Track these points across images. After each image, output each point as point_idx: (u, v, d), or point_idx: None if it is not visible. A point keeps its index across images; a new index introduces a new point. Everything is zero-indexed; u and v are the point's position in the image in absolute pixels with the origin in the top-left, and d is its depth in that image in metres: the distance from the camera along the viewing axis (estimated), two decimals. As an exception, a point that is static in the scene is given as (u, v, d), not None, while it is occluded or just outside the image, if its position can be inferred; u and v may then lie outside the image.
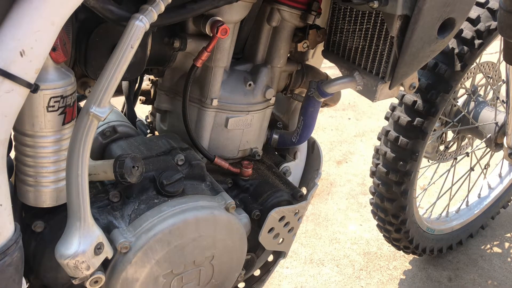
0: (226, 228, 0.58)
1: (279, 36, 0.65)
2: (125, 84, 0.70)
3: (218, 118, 0.64)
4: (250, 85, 0.64)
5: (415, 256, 1.22)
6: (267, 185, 0.67)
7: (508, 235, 1.32)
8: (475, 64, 1.03)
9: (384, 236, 1.15)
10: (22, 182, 0.47)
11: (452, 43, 0.92)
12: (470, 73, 1.05)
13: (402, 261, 1.21)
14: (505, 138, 1.09)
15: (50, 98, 0.44)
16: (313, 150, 0.76)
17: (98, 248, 0.48)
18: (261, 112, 0.67)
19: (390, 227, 1.08)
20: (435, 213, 1.24)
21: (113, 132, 0.62)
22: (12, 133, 0.46)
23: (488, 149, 1.19)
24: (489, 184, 1.33)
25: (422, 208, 1.24)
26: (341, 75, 0.67)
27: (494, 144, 1.10)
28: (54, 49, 0.43)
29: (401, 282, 1.15)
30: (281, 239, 0.67)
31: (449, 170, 1.20)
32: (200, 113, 0.64)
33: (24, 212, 0.52)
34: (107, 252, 0.49)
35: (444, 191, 1.20)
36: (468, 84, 1.10)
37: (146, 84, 0.73)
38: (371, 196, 1.09)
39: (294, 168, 0.74)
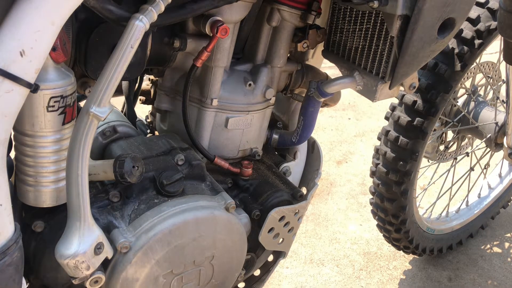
0: (226, 228, 0.58)
1: (279, 36, 0.65)
2: (125, 84, 0.70)
3: (218, 118, 0.64)
4: (250, 85, 0.64)
5: (415, 256, 1.22)
6: (267, 185, 0.67)
7: (508, 235, 1.32)
8: (475, 64, 1.03)
9: (384, 236, 1.15)
10: (22, 182, 0.47)
11: (452, 43, 0.92)
12: (470, 73, 1.05)
13: (402, 261, 1.21)
14: (505, 138, 1.09)
15: (50, 98, 0.44)
16: (313, 150, 0.76)
17: (98, 248, 0.48)
18: (261, 112, 0.67)
19: (390, 227, 1.08)
20: (435, 213, 1.24)
21: (113, 132, 0.62)
22: (12, 133, 0.46)
23: (488, 149, 1.19)
24: (489, 184, 1.33)
25: (422, 208, 1.24)
26: (341, 75, 0.67)
27: (494, 144, 1.10)
28: (54, 49, 0.43)
29: (401, 282, 1.15)
30: (281, 239, 0.67)
31: (449, 170, 1.20)
32: (200, 113, 0.64)
33: (24, 212, 0.52)
34: (107, 252, 0.49)
35: (444, 191, 1.20)
36: (468, 84, 1.10)
37: (146, 84, 0.73)
38: (371, 196, 1.09)
39: (294, 168, 0.74)
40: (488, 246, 1.27)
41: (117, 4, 0.45)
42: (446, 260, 1.22)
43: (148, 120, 0.77)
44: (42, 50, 0.38)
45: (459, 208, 1.27)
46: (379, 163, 1.02)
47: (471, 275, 1.17)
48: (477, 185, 1.31)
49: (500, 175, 1.34)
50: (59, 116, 0.45)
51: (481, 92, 1.15)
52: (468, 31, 0.91)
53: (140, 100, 0.74)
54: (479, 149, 1.21)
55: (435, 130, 1.04)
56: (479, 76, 1.11)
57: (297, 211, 0.66)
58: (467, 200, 1.28)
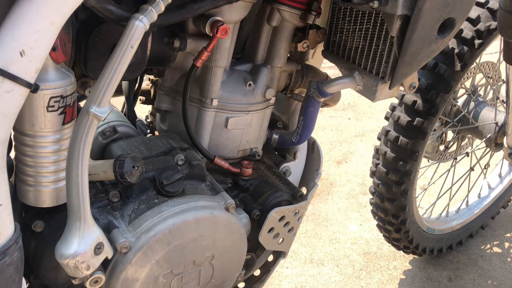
0: (226, 228, 0.58)
1: (279, 36, 0.65)
2: (125, 84, 0.70)
3: (218, 118, 0.64)
4: (250, 85, 0.64)
5: (415, 256, 1.22)
6: (267, 185, 0.67)
7: (508, 235, 1.32)
8: (475, 64, 1.03)
9: (384, 236, 1.15)
10: (22, 182, 0.47)
11: (452, 43, 0.92)
12: (470, 73, 1.05)
13: (402, 261, 1.21)
14: (505, 138, 1.09)
15: (50, 98, 0.44)
16: (313, 150, 0.76)
17: (98, 248, 0.48)
18: (261, 112, 0.67)
19: (390, 227, 1.08)
20: (435, 213, 1.24)
21: (113, 132, 0.62)
22: (12, 133, 0.46)
23: (488, 149, 1.19)
24: (489, 184, 1.33)
25: (422, 208, 1.24)
26: (341, 75, 0.67)
27: (494, 144, 1.10)
28: (54, 49, 0.43)
29: (401, 282, 1.15)
30: (281, 239, 0.67)
31: (449, 170, 1.20)
32: (200, 113, 0.64)
33: (24, 212, 0.52)
34: (107, 252, 0.49)
35: (444, 191, 1.20)
36: (468, 84, 1.10)
37: (146, 84, 0.73)
38: (371, 196, 1.09)
39: (294, 168, 0.74)
40: (488, 246, 1.27)
41: (117, 4, 0.45)
42: (446, 260, 1.22)
43: (148, 120, 0.77)
44: (42, 50, 0.38)
45: (459, 208, 1.27)
46: (379, 163, 1.02)
47: (471, 275, 1.17)
48: (477, 185, 1.31)
49: (500, 175, 1.34)
50: (59, 116, 0.45)
51: (481, 92, 1.15)
52: (468, 31, 0.91)
53: (140, 100, 0.74)
54: (479, 149, 1.21)
55: (435, 130, 1.04)
56: (479, 76, 1.11)
57: (297, 211, 0.66)
58: (467, 200, 1.28)
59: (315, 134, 1.33)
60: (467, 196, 1.28)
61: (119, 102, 0.75)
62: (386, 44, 0.59)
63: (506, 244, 1.28)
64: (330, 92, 0.65)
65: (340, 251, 1.22)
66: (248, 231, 0.63)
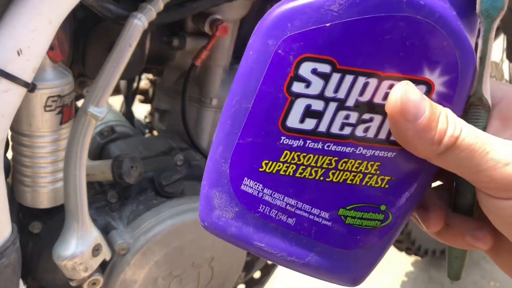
0: (225, 229, 0.58)
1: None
2: (123, 83, 0.70)
3: (218, 118, 0.64)
4: (250, 84, 0.64)
5: (417, 258, 1.21)
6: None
7: None
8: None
9: (385, 237, 1.14)
10: (19, 182, 0.47)
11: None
12: (473, 72, 1.04)
13: (404, 262, 1.20)
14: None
15: (48, 98, 0.43)
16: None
17: (96, 250, 0.47)
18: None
19: (391, 228, 1.07)
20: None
21: (111, 132, 0.62)
22: (9, 133, 0.45)
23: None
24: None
25: (424, 209, 1.23)
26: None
27: (497, 144, 1.09)
28: (51, 48, 0.43)
29: (403, 284, 1.14)
30: (281, 240, 0.67)
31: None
32: (200, 113, 0.64)
33: (21, 213, 0.52)
34: (105, 254, 0.49)
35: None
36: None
37: (144, 83, 0.73)
38: (373, 197, 1.08)
39: (295, 169, 0.74)
40: (491, 247, 1.27)
41: (115, 3, 0.44)
42: (448, 262, 1.21)
43: (147, 120, 0.76)
44: (40, 49, 0.38)
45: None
46: (380, 164, 1.00)
47: (473, 277, 1.16)
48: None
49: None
50: (56, 116, 0.45)
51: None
52: (470, 30, 0.90)
53: (138, 99, 0.73)
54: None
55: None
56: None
57: (297, 212, 0.65)
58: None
59: (316, 135, 1.32)
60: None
61: (118, 101, 0.75)
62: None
63: (509, 245, 1.27)
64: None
65: (341, 252, 1.21)
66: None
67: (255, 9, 0.62)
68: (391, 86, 0.19)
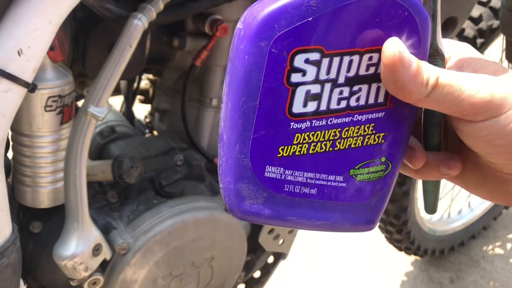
0: (225, 229, 0.58)
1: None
2: (123, 83, 0.70)
3: (218, 118, 0.64)
4: (250, 84, 0.64)
5: (417, 257, 1.21)
6: (267, 185, 0.66)
7: (510, 236, 1.31)
8: (477, 63, 1.02)
9: (385, 237, 1.15)
10: (20, 182, 0.47)
11: (453, 42, 0.91)
12: (472, 73, 1.04)
13: (404, 262, 1.20)
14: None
15: (48, 98, 0.43)
16: (314, 150, 0.75)
17: (96, 249, 0.47)
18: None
19: (391, 228, 1.07)
20: (437, 214, 1.23)
21: (111, 132, 0.62)
22: (10, 133, 0.45)
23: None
24: (491, 184, 1.32)
25: (424, 209, 1.23)
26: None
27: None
28: (52, 48, 0.43)
29: (403, 283, 1.14)
30: (281, 240, 0.67)
31: (450, 171, 1.19)
32: (200, 113, 0.64)
33: (21, 213, 0.52)
34: (106, 253, 0.49)
35: (446, 191, 1.19)
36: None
37: (145, 83, 0.73)
38: (372, 197, 1.08)
39: (295, 169, 0.74)
40: (490, 247, 1.27)
41: (115, 3, 0.44)
42: (448, 262, 1.21)
43: (147, 120, 0.76)
44: (40, 49, 0.38)
45: (461, 209, 1.27)
46: (380, 164, 1.01)
47: (473, 277, 1.17)
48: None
49: (502, 176, 1.33)
50: (57, 116, 0.45)
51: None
52: (470, 30, 0.90)
53: (139, 99, 0.73)
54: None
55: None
56: (481, 76, 1.10)
57: (297, 212, 0.65)
58: (469, 201, 1.27)
59: (316, 135, 1.32)
60: (469, 197, 1.27)
61: (118, 101, 0.75)
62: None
63: (508, 245, 1.27)
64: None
65: (341, 253, 1.21)
66: (248, 232, 0.62)
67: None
68: (370, 58, 0.23)
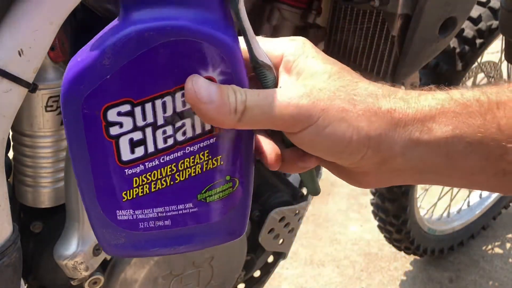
0: (226, 229, 0.58)
1: (279, 35, 0.65)
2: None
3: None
4: (250, 85, 0.64)
5: (416, 257, 1.21)
6: (267, 185, 0.67)
7: (510, 235, 1.32)
8: (476, 63, 1.02)
9: (385, 237, 1.15)
10: (21, 182, 0.47)
11: (453, 42, 0.91)
12: (472, 72, 1.04)
13: (403, 262, 1.21)
14: (506, 138, 1.08)
15: (49, 98, 0.44)
16: (314, 150, 0.75)
17: (97, 249, 0.47)
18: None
19: (391, 228, 1.08)
20: (436, 213, 1.24)
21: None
22: (11, 133, 0.45)
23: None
24: (491, 184, 1.32)
25: (423, 209, 1.23)
26: (341, 74, 0.66)
27: (496, 144, 1.10)
28: (52, 48, 0.43)
29: (402, 283, 1.14)
30: (281, 240, 0.67)
31: (450, 171, 1.19)
32: (200, 113, 0.64)
33: (22, 213, 0.52)
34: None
35: (445, 191, 1.19)
36: (469, 83, 1.10)
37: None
38: (372, 197, 1.09)
39: (295, 169, 0.74)
40: (490, 247, 1.27)
41: (116, 3, 0.44)
42: (447, 261, 1.22)
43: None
44: (41, 49, 0.38)
45: (460, 208, 1.27)
46: (380, 164, 1.01)
47: (472, 276, 1.17)
48: (478, 185, 1.30)
49: (501, 176, 1.33)
50: (57, 116, 0.45)
51: (483, 92, 1.14)
52: (469, 30, 0.90)
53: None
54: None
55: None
56: (481, 75, 1.11)
57: (297, 211, 0.66)
58: (469, 201, 1.28)
59: (316, 134, 1.32)
60: (468, 196, 1.27)
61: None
62: (387, 43, 0.58)
63: (508, 245, 1.27)
64: (330, 92, 0.65)
65: (340, 252, 1.21)
66: (248, 232, 0.62)
67: (255, 10, 0.63)
68: (183, 95, 0.23)
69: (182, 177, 0.24)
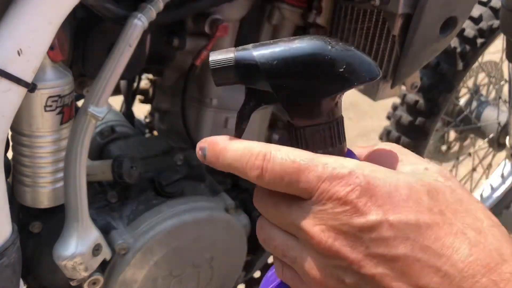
0: (225, 229, 0.58)
1: (279, 34, 0.64)
2: (123, 83, 0.70)
3: (218, 118, 0.64)
4: (250, 84, 0.64)
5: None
6: (267, 185, 0.66)
7: (510, 235, 1.31)
8: (477, 63, 1.02)
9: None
10: (20, 182, 0.47)
11: (454, 42, 0.91)
12: (472, 72, 1.04)
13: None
14: (507, 138, 1.08)
15: (48, 98, 0.43)
16: (314, 150, 0.75)
17: (96, 250, 0.47)
18: (261, 112, 0.67)
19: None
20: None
21: (111, 132, 0.62)
22: (10, 133, 0.45)
23: (491, 149, 1.18)
24: (491, 184, 1.32)
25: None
26: (342, 74, 0.66)
27: (497, 144, 1.10)
28: (52, 48, 0.43)
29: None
30: (281, 240, 0.67)
31: (451, 171, 1.19)
32: (200, 113, 0.64)
33: (21, 213, 0.52)
34: (105, 254, 0.49)
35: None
36: (470, 83, 1.10)
37: (145, 83, 0.73)
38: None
39: (295, 168, 0.74)
40: (491, 247, 1.26)
41: (115, 3, 0.44)
42: (448, 261, 1.21)
43: (147, 120, 0.76)
44: (40, 49, 0.38)
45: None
46: (380, 163, 1.00)
47: (473, 276, 1.16)
48: (479, 185, 1.30)
49: (502, 176, 1.33)
50: (57, 116, 0.45)
51: (484, 92, 1.14)
52: (470, 30, 0.90)
53: (138, 99, 0.73)
54: (481, 149, 1.20)
55: (437, 130, 1.03)
56: (482, 75, 1.10)
57: (297, 211, 0.65)
58: (469, 201, 1.27)
59: (316, 134, 1.32)
60: (469, 196, 1.27)
61: (118, 101, 0.75)
62: (388, 43, 0.58)
63: (509, 245, 1.27)
64: (331, 92, 0.65)
65: (341, 252, 1.21)
66: (248, 232, 0.62)
67: (255, 9, 0.62)
68: None
69: None
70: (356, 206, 0.20)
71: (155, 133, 0.73)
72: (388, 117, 1.00)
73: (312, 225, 0.21)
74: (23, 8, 0.36)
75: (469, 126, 1.10)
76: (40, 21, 0.37)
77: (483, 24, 0.89)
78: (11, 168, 0.48)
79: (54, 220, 0.51)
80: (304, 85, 0.23)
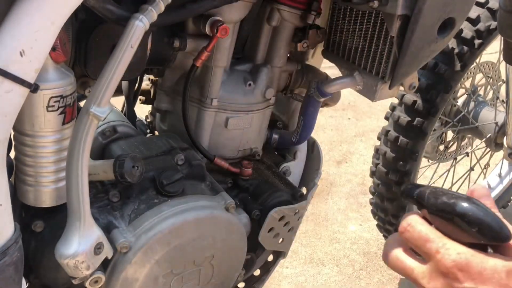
0: (226, 228, 0.58)
1: (279, 36, 0.65)
2: (125, 84, 0.70)
3: (218, 118, 0.64)
4: (250, 85, 0.64)
5: (415, 256, 1.22)
6: (267, 185, 0.67)
7: (508, 235, 1.32)
8: (475, 64, 1.03)
9: (384, 236, 1.15)
10: (22, 182, 0.47)
11: (452, 43, 0.92)
12: (470, 73, 1.05)
13: (402, 261, 1.21)
14: (505, 138, 1.09)
15: (50, 98, 0.44)
16: (313, 150, 0.76)
17: (98, 248, 0.48)
18: (261, 112, 0.67)
19: (390, 227, 1.08)
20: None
21: (113, 132, 0.62)
22: (12, 133, 0.46)
23: (488, 149, 1.19)
24: (489, 184, 1.33)
25: (422, 208, 1.23)
26: (341, 75, 0.67)
27: (494, 144, 1.11)
28: (54, 49, 0.43)
29: (401, 282, 1.15)
30: (281, 239, 0.67)
31: (449, 170, 1.20)
32: (200, 113, 0.64)
33: (24, 212, 0.52)
34: (107, 252, 0.49)
35: (444, 191, 1.19)
36: (468, 84, 1.10)
37: (146, 84, 0.73)
38: (371, 196, 1.09)
39: (294, 168, 0.74)
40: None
41: (117, 4, 0.45)
42: (446, 260, 1.22)
43: (148, 120, 0.77)
44: (42, 50, 0.38)
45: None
46: (379, 163, 1.02)
47: (471, 275, 1.17)
48: (477, 185, 1.31)
49: (500, 175, 1.34)
50: (59, 116, 0.45)
51: (481, 92, 1.15)
52: (468, 31, 0.91)
53: (140, 100, 0.74)
54: (479, 149, 1.21)
55: (435, 130, 1.04)
56: (479, 76, 1.11)
57: (297, 211, 0.66)
58: (467, 200, 1.28)
59: (315, 134, 1.33)
60: (467, 196, 1.27)
61: (119, 102, 0.75)
62: (386, 44, 0.59)
63: (506, 244, 1.28)
64: (330, 92, 0.65)
65: (340, 251, 1.22)
66: (248, 231, 0.63)
67: (255, 11, 0.63)
68: None
69: None
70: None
71: (156, 133, 0.73)
72: (387, 118, 1.01)
73: None
74: (26, 9, 0.37)
75: (467, 126, 1.10)
76: (42, 22, 0.37)
77: (481, 25, 0.90)
78: (13, 168, 0.49)
79: (56, 219, 0.51)
80: None
